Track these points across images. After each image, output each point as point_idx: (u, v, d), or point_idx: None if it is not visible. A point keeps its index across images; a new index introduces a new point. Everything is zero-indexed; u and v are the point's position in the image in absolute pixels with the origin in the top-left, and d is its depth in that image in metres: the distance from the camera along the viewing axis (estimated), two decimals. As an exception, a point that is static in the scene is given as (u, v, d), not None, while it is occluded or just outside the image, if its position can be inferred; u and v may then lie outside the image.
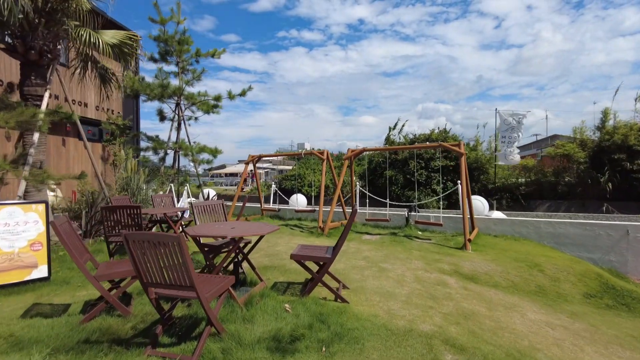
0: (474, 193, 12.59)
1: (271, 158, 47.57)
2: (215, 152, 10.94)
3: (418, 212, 8.88)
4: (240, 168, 39.91)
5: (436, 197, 12.33)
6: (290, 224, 9.33)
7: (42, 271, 4.46)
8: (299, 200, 11.69)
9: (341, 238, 3.64)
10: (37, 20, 6.10)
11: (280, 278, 4.55)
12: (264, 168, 40.32)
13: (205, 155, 11.24)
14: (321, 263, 3.79)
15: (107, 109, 11.72)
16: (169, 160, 11.32)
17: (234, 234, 3.39)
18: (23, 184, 5.76)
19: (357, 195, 9.28)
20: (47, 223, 4.63)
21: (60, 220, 3.24)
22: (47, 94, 6.40)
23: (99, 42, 6.85)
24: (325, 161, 8.62)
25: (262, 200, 10.49)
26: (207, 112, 10.80)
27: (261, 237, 3.82)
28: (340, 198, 8.32)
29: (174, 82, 10.74)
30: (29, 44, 6.00)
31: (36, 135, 6.08)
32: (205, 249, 3.98)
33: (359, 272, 4.87)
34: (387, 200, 8.66)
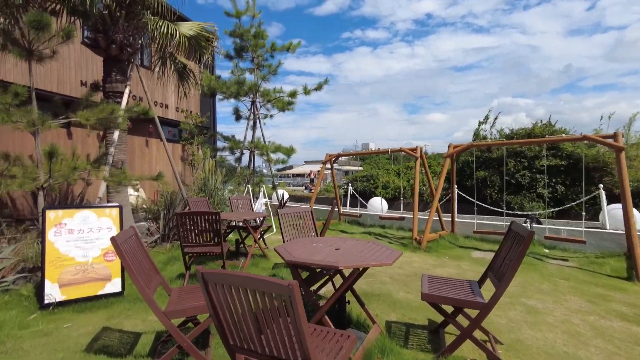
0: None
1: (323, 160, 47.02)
2: (289, 152, 10.25)
3: (539, 223, 7.06)
4: (306, 169, 39.82)
5: (568, 205, 9.97)
6: (374, 233, 8.16)
7: (115, 285, 3.92)
8: (378, 205, 10.45)
9: (508, 274, 2.35)
10: (117, 13, 5.83)
11: (392, 315, 3.41)
12: (329, 169, 39.66)
13: (279, 155, 10.61)
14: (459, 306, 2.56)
15: (186, 110, 11.77)
16: (243, 161, 10.96)
17: (349, 262, 2.33)
18: (104, 185, 5.47)
19: (455, 200, 7.74)
20: (121, 229, 4.09)
21: (125, 235, 2.50)
22: (127, 90, 6.12)
23: (176, 33, 6.43)
24: (419, 159, 7.26)
25: (341, 203, 9.48)
26: (282, 109, 10.15)
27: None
28: (437, 204, 6.91)
29: (249, 78, 10.29)
30: (111, 38, 5.73)
31: (116, 133, 5.79)
32: (298, 269, 3.00)
33: (502, 312, 3.51)
34: (503, 209, 6.99)
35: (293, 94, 9.96)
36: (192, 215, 4.06)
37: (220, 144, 11.02)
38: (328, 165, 9.70)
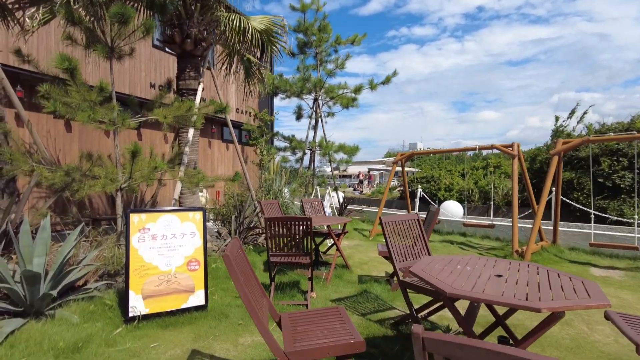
0: None
1: (385, 159, 45.54)
2: (353, 151, 9.63)
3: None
4: (354, 170, 39.02)
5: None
6: (456, 241, 7.26)
7: (199, 297, 3.54)
8: (454, 210, 9.46)
9: None
10: (192, 7, 5.60)
11: None
12: (378, 170, 38.57)
13: (341, 155, 10.04)
14: None
15: (253, 109, 11.61)
16: (303, 161, 10.54)
17: (555, 304, 1.62)
18: (179, 186, 5.22)
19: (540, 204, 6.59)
20: (204, 235, 3.72)
21: (233, 249, 2.01)
22: (200, 88, 5.88)
23: (249, 27, 6.12)
24: (516, 158, 6.26)
25: (410, 207, 8.66)
26: (345, 106, 9.57)
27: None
28: (541, 211, 5.86)
29: (312, 75, 9.83)
30: (186, 32, 5.51)
31: (191, 132, 5.56)
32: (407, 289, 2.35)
33: None
34: (635, 219, 5.78)
35: (358, 89, 9.33)
36: (285, 220, 3.57)
37: (280, 144, 10.71)
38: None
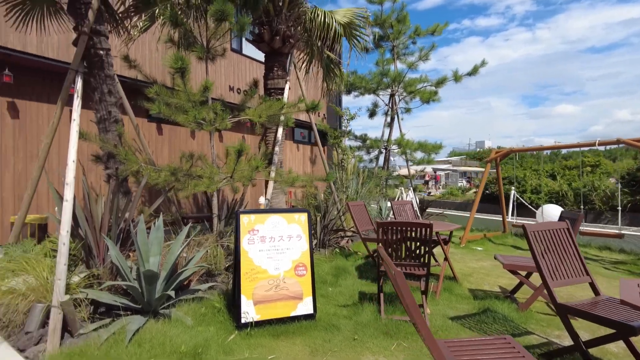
0: None
1: (450, 158, 43.02)
2: (435, 149, 8.93)
3: None
4: (417, 170, 37.33)
5: None
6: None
7: (307, 305, 3.30)
8: (552, 213, 8.30)
9: None
10: (280, 2, 5.48)
11: None
12: (444, 169, 36.50)
13: (418, 154, 9.40)
14: None
15: (335, 106, 11.44)
16: (373, 160, 10.08)
17: None
18: (271, 186, 5.12)
19: None
20: (310, 238, 3.48)
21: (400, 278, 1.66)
22: (287, 86, 5.76)
23: (333, 22, 5.87)
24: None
25: (505, 212, 7.75)
26: (426, 101, 8.92)
27: None
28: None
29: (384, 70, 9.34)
30: (274, 29, 5.40)
31: (280, 131, 5.45)
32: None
33: None
34: None
35: (441, 82, 8.62)
36: (401, 226, 3.19)
37: (351, 143, 10.37)
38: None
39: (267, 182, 5.59)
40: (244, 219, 3.28)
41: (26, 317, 2.94)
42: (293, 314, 3.23)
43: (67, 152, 3.30)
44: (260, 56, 8.36)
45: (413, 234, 3.22)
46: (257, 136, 10.24)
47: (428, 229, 3.13)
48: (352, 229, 6.29)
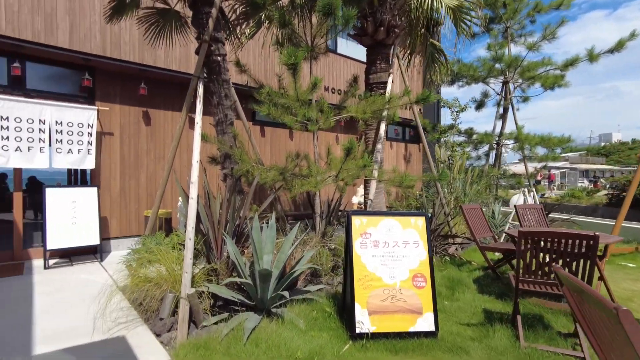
0: None
1: (567, 154, 36.95)
2: (562, 143, 7.51)
3: None
4: (520, 169, 33.02)
5: None
6: None
7: (427, 321, 2.92)
8: None
9: None
10: (385, -9, 5.16)
11: None
12: (559, 167, 31.49)
13: (539, 149, 8.05)
14: None
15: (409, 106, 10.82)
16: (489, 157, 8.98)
17: None
18: (373, 185, 4.85)
19: None
20: (429, 246, 3.09)
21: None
22: (390, 79, 5.41)
23: (442, 5, 5.31)
24: None
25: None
26: (550, 87, 7.57)
27: None
28: None
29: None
30: (379, 20, 5.11)
31: (383, 127, 5.14)
32: None
33: None
34: None
35: (571, 63, 7.18)
36: (554, 236, 2.58)
37: (454, 138, 9.44)
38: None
39: (365, 182, 5.34)
40: (356, 221, 3.06)
41: (160, 304, 3.21)
42: (412, 329, 2.89)
43: (185, 153, 3.52)
44: (356, 54, 8.07)
45: (568, 248, 2.57)
46: (350, 136, 10.06)
47: (592, 241, 2.46)
48: (463, 235, 5.63)
